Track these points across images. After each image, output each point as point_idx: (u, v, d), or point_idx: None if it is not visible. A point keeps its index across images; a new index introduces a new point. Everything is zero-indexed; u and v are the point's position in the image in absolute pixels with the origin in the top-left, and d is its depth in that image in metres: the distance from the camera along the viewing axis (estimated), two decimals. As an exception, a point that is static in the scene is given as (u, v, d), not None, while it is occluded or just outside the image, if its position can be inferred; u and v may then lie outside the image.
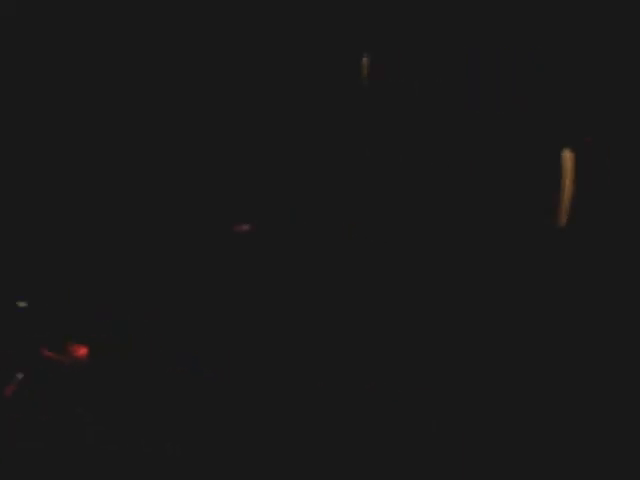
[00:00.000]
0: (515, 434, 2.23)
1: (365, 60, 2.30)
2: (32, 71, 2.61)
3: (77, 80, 2.63)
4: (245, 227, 2.31)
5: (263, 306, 2.55)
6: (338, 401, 2.32)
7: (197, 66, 2.65)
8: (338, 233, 2.62)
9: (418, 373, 2.40)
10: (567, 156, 2.05)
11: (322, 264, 2.60)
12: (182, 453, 2.15)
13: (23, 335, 2.39)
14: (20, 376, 2.26)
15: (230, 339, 2.49)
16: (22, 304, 2.41)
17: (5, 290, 2.48)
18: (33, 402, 2.22)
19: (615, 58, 2.46)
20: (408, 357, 2.44)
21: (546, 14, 2.49)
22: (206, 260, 2.62)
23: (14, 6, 2.56)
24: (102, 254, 2.61)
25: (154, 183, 2.66)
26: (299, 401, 2.32)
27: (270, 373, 2.40)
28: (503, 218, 2.54)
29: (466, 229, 2.57)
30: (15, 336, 2.38)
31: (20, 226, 2.59)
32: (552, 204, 2.47)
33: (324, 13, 2.61)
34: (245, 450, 2.18)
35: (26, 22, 2.57)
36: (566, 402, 2.29)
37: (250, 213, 2.65)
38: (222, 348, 2.47)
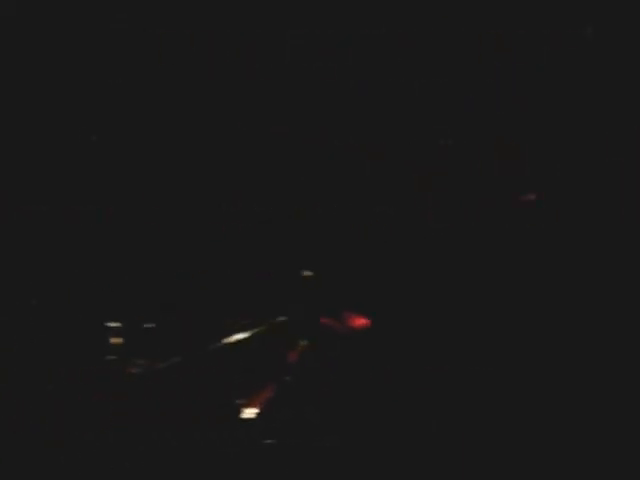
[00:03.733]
0: (515, 434, 2.23)
1: None
2: (32, 71, 2.61)
3: (77, 80, 2.63)
4: (530, 197, 2.23)
5: (263, 306, 2.55)
6: (337, 401, 2.32)
7: (196, 66, 2.65)
8: (339, 233, 2.62)
9: (418, 373, 2.40)
10: None
11: (322, 264, 2.60)
12: (182, 453, 2.15)
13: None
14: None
15: (231, 339, 2.49)
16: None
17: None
18: (33, 402, 2.22)
19: (615, 59, 2.46)
20: (408, 357, 2.44)
21: (546, 14, 2.49)
22: (205, 260, 2.62)
23: (14, 6, 2.56)
24: (102, 254, 2.61)
25: (155, 184, 2.66)
26: (299, 401, 2.32)
27: (270, 373, 2.40)
28: (502, 217, 2.54)
29: (466, 229, 2.57)
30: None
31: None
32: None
33: (324, 13, 2.61)
34: (245, 450, 2.18)
35: (26, 22, 2.58)
36: (566, 402, 2.29)
37: (251, 212, 2.65)
38: (224, 348, 2.47)
